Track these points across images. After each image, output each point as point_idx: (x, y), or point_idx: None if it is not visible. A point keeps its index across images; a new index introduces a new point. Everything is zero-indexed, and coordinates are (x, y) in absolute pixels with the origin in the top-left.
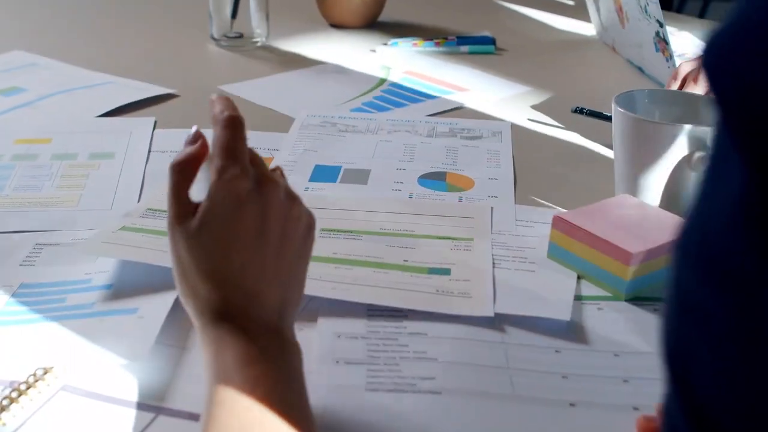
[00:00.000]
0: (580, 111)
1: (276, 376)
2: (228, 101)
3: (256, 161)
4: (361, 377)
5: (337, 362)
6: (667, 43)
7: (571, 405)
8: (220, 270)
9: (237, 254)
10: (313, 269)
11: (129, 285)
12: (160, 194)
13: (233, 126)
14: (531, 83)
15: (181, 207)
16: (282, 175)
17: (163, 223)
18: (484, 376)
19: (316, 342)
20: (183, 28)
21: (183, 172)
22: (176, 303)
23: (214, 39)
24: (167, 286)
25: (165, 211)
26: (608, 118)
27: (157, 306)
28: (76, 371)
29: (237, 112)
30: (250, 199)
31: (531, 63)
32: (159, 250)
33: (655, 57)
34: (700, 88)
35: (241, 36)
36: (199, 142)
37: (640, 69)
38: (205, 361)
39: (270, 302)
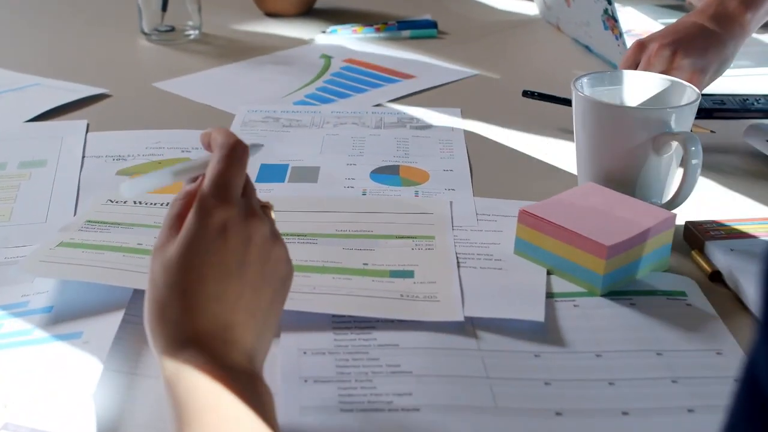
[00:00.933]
0: (530, 95)
1: (255, 417)
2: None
3: (247, 193)
4: (332, 396)
5: (306, 381)
6: (616, 20)
7: (558, 414)
8: (195, 293)
9: (215, 281)
10: None
11: (71, 306)
12: (98, 204)
13: (233, 157)
14: (477, 67)
15: (168, 236)
16: (270, 212)
17: (104, 236)
18: (463, 388)
19: (279, 359)
20: (111, 23)
21: (180, 206)
22: (123, 324)
23: (144, 33)
24: (113, 306)
25: (105, 223)
26: (560, 101)
27: (103, 328)
28: (19, 407)
29: (241, 142)
30: (235, 230)
31: (475, 46)
32: (101, 267)
33: (604, 35)
34: (658, 65)
35: (172, 29)
36: (198, 181)
37: (587, 48)
38: (173, 394)
39: (243, 340)
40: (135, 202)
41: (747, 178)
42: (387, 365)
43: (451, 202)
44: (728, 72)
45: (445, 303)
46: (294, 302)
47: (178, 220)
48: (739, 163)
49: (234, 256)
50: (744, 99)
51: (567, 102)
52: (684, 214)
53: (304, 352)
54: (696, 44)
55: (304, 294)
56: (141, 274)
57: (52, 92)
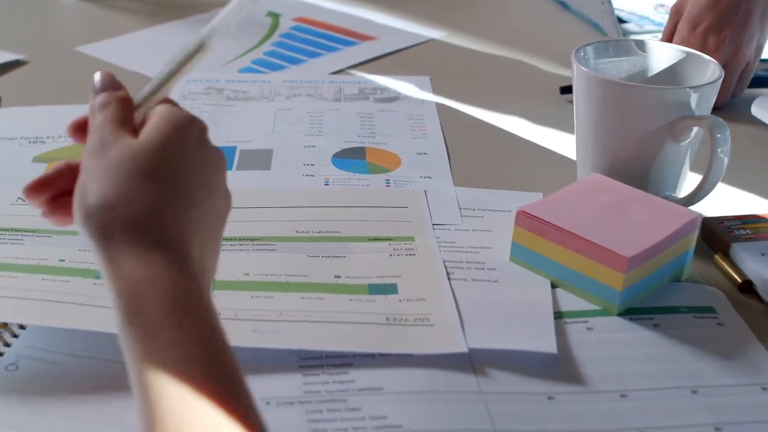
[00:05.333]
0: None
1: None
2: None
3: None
4: None
5: None
6: None
7: None
8: (173, 191)
9: (183, 187)
10: (227, 300)
11: None
12: (7, 205)
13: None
14: (442, 26)
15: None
16: None
17: (18, 251)
18: None
19: None
20: None
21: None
22: None
23: None
24: None
25: (17, 231)
26: None
27: None
28: None
29: None
30: (202, 136)
31: (440, 2)
32: (18, 299)
33: None
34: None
35: None
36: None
37: (563, 4)
38: (139, 299)
39: (197, 256)
40: None
41: (764, 163)
42: (371, 418)
43: (425, 191)
44: None
45: (441, 328)
46: (260, 336)
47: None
48: (750, 145)
49: (197, 163)
50: None
51: None
52: (696, 209)
53: (267, 403)
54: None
55: (271, 323)
56: (66, 305)
57: None
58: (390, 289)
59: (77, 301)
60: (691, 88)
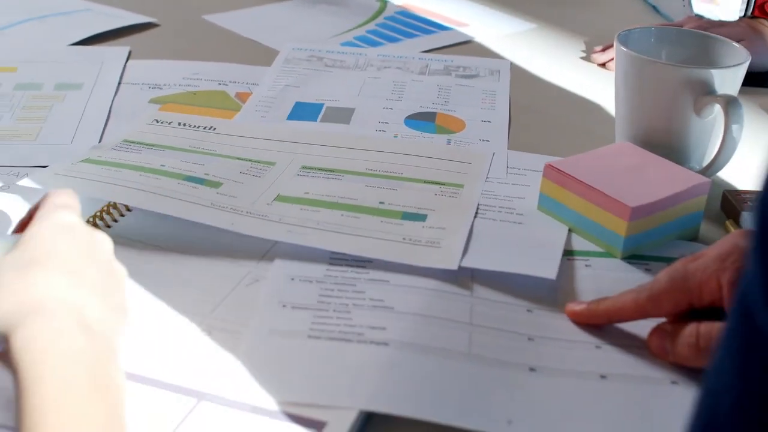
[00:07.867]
0: None
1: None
2: None
3: None
4: (305, 323)
5: (284, 306)
6: None
7: (531, 369)
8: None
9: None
10: (279, 210)
11: None
12: (142, 124)
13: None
14: (536, 19)
15: None
16: None
17: (132, 156)
18: (440, 330)
19: (266, 283)
20: None
21: None
22: None
23: None
24: None
25: (141, 144)
26: None
27: None
28: None
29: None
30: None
31: None
32: (111, 184)
33: None
34: None
35: None
36: None
37: (654, 8)
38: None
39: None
40: (179, 123)
41: None
42: (370, 299)
43: (494, 154)
44: None
45: (444, 250)
46: (292, 235)
47: None
48: None
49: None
50: None
51: None
52: (727, 183)
53: (292, 279)
54: None
55: (305, 228)
56: (148, 193)
57: (101, 18)
58: (420, 217)
59: (161, 193)
60: (713, 68)
